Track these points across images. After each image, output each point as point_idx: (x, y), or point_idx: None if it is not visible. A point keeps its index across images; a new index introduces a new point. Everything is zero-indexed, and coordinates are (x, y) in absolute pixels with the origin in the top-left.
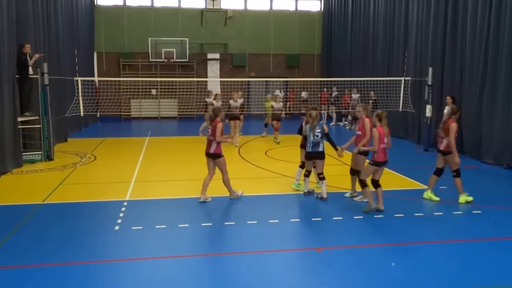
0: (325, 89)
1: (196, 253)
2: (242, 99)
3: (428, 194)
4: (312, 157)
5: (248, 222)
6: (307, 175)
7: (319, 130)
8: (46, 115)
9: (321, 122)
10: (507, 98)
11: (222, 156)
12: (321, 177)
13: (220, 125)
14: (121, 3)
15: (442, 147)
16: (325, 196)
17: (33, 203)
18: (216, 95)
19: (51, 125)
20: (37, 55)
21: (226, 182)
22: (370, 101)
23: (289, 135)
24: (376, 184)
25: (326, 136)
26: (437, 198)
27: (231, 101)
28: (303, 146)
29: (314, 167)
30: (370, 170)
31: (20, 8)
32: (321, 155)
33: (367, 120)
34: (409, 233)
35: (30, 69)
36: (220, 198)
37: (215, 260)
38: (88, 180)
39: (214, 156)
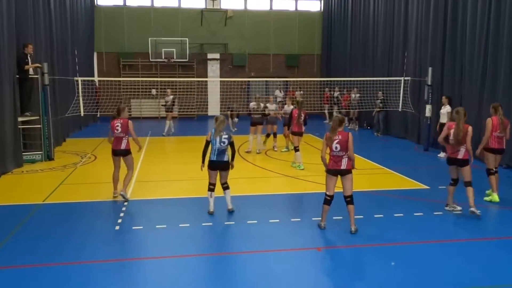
0: (326, 89)
1: (197, 252)
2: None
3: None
4: (216, 168)
5: (248, 221)
6: (211, 189)
7: (226, 137)
8: (46, 115)
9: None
10: (506, 98)
11: (131, 152)
12: (224, 187)
13: (131, 123)
14: (121, 3)
15: (504, 145)
16: (230, 207)
17: (34, 203)
18: (167, 90)
19: (51, 125)
20: (36, 65)
21: (128, 179)
22: (378, 100)
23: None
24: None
25: (231, 145)
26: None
27: (252, 104)
28: (293, 132)
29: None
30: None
31: (20, 8)
32: (226, 166)
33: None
34: (409, 233)
35: (30, 69)
36: (220, 198)
37: (216, 259)
38: (89, 180)
39: (125, 153)
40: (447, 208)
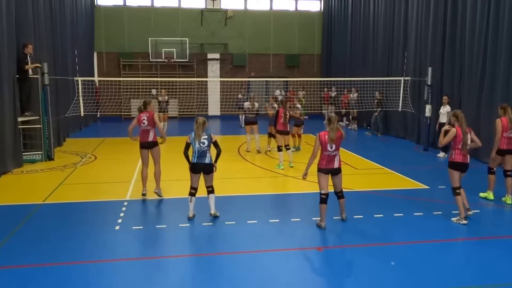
0: (325, 89)
1: (197, 252)
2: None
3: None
4: (198, 170)
5: (248, 221)
6: (192, 193)
7: (205, 137)
8: (46, 115)
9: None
10: (505, 98)
11: (158, 145)
12: (209, 190)
13: (156, 115)
14: (121, 3)
15: None
16: (212, 212)
17: (34, 203)
18: (162, 91)
19: (51, 125)
20: (36, 64)
21: (158, 174)
22: (375, 101)
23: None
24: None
25: (214, 144)
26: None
27: (246, 104)
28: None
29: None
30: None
31: (20, 8)
32: (208, 168)
33: None
34: (409, 233)
35: (30, 69)
36: (221, 198)
37: (216, 259)
38: (89, 180)
39: (152, 145)
40: (455, 219)
